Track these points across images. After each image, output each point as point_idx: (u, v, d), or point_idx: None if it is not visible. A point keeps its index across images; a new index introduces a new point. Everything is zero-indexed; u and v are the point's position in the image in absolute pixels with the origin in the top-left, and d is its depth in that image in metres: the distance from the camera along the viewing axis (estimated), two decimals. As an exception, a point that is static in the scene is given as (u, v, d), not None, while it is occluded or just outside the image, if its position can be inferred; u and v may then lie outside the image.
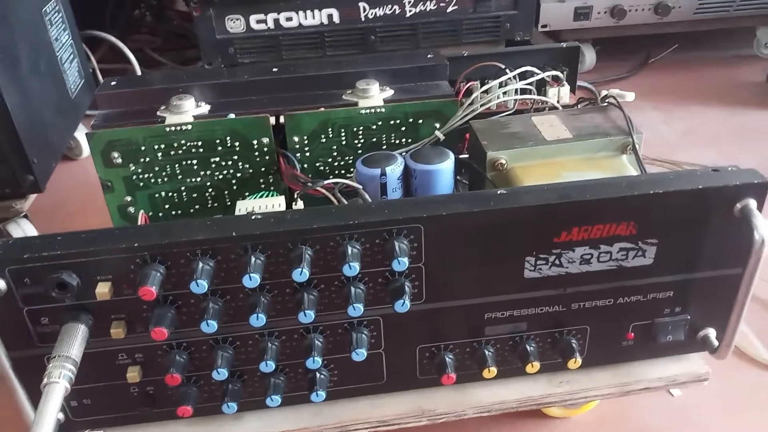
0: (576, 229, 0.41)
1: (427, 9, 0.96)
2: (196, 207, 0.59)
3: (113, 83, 0.60)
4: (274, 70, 0.62)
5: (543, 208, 0.40)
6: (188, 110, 0.57)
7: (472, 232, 0.40)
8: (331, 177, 0.60)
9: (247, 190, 0.59)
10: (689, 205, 0.42)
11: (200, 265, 0.37)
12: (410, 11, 0.96)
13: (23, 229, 0.70)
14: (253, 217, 0.39)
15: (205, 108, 0.58)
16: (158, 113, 0.58)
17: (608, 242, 0.42)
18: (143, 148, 0.56)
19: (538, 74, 0.62)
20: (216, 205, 0.59)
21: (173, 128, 0.55)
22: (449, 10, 0.96)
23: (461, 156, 0.60)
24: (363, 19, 0.95)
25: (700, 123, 1.00)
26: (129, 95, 0.59)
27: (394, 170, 0.51)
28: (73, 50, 0.84)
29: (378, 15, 0.95)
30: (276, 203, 0.45)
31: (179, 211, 0.59)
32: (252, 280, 0.37)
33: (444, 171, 0.52)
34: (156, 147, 0.56)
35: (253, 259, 0.37)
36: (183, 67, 1.15)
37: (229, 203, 0.60)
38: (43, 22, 0.76)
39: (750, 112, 1.03)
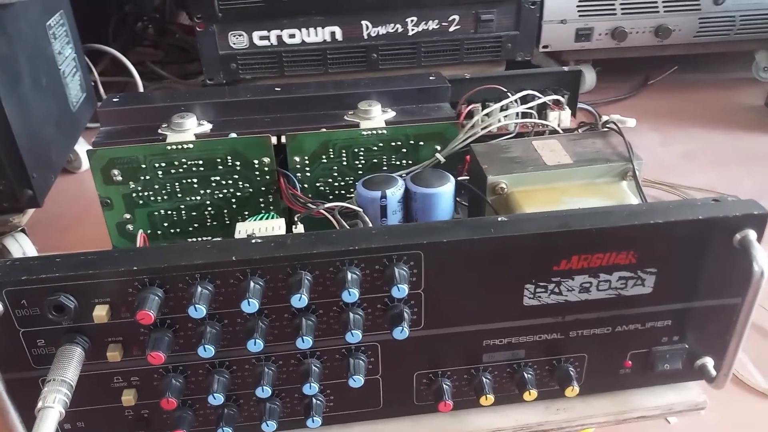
0: (576, 258, 0.41)
1: (430, 28, 0.96)
2: (195, 225, 0.59)
3: (115, 99, 0.61)
4: (277, 89, 0.62)
5: (544, 236, 0.40)
6: (190, 128, 0.57)
7: (473, 259, 0.40)
8: (331, 197, 0.60)
9: (246, 210, 0.59)
10: (689, 235, 0.42)
11: (199, 289, 0.37)
12: (413, 30, 0.96)
13: (20, 243, 0.69)
14: (253, 241, 0.39)
15: (206, 126, 0.58)
16: (160, 131, 0.58)
17: (608, 271, 0.42)
18: (144, 166, 0.56)
19: (539, 98, 0.62)
20: (215, 223, 0.59)
21: (174, 147, 0.55)
22: (451, 29, 0.97)
23: (461, 178, 0.60)
24: (365, 37, 0.95)
25: (699, 146, 1.01)
26: (131, 112, 0.59)
27: (395, 193, 0.51)
28: (75, 64, 0.84)
29: (380, 33, 0.95)
30: (276, 226, 0.45)
31: (178, 229, 0.59)
32: (251, 305, 0.37)
33: (444, 194, 0.52)
34: (156, 165, 0.56)
35: (252, 283, 0.37)
36: (184, 81, 1.16)
37: (228, 222, 0.59)
38: (47, 36, 0.76)
39: (749, 135, 1.03)
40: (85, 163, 0.91)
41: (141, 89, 1.00)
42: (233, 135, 0.57)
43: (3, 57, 0.64)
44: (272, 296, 0.39)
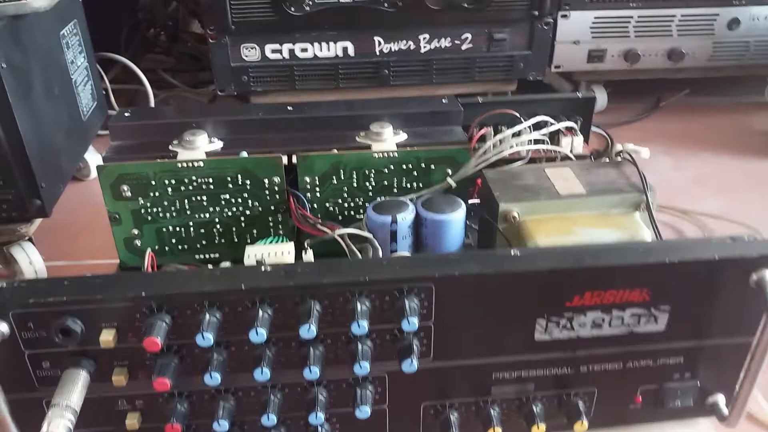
0: (589, 294, 0.40)
1: (442, 46, 0.96)
2: (203, 242, 0.59)
3: (127, 114, 0.60)
4: (289, 108, 0.62)
5: (557, 272, 0.39)
6: (200, 146, 0.57)
7: (485, 293, 0.39)
8: (340, 218, 0.60)
9: (255, 228, 0.59)
10: (704, 274, 0.41)
11: (207, 317, 0.36)
12: (425, 48, 0.96)
13: (27, 252, 0.69)
14: (263, 268, 0.38)
15: (217, 144, 0.58)
16: (170, 147, 0.58)
17: (621, 308, 0.42)
18: (153, 182, 0.55)
19: (552, 124, 0.61)
20: (223, 241, 0.59)
21: (185, 164, 0.55)
22: (464, 47, 0.97)
23: (471, 200, 0.59)
24: (378, 53, 0.95)
25: (711, 170, 1.00)
26: (142, 128, 0.59)
27: (405, 218, 0.51)
28: (87, 73, 0.84)
29: (393, 50, 0.95)
30: (285, 250, 0.44)
31: (186, 246, 0.59)
32: (259, 335, 0.36)
33: (455, 221, 0.51)
34: (166, 182, 0.55)
35: (260, 312, 0.37)
36: (195, 90, 1.16)
37: (236, 240, 0.59)
38: (60, 46, 0.76)
39: (761, 160, 1.02)
40: (94, 171, 0.91)
41: (151, 98, 1.00)
42: (244, 154, 0.56)
43: (16, 67, 0.63)
44: (280, 324, 0.38)
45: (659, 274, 0.40)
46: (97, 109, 0.87)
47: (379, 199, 0.59)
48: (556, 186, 0.54)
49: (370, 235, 0.47)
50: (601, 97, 1.12)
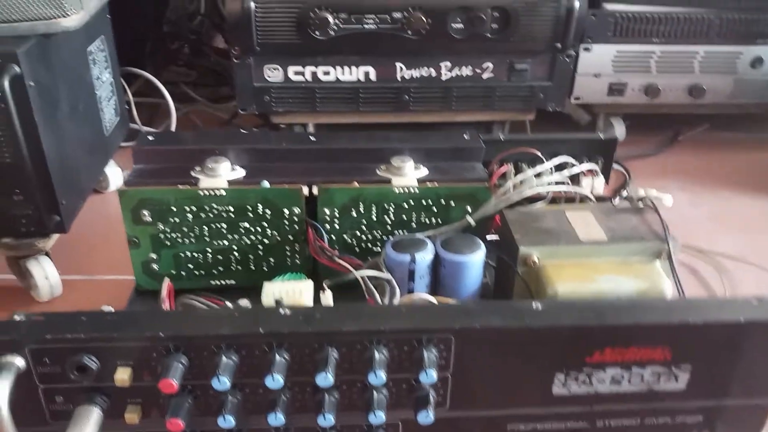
0: (610, 351, 0.40)
1: (463, 74, 0.96)
2: (220, 269, 0.59)
3: (150, 138, 0.61)
4: (312, 138, 0.62)
5: (579, 328, 0.39)
6: (223, 174, 0.57)
7: (504, 346, 0.39)
8: (357, 250, 0.59)
9: (272, 256, 0.59)
10: (728, 336, 0.40)
11: (224, 359, 0.36)
12: (446, 75, 0.96)
13: (43, 266, 0.69)
14: (281, 311, 0.38)
15: (239, 172, 0.58)
16: (192, 173, 0.58)
17: (641, 365, 0.41)
18: (174, 208, 0.55)
19: (574, 165, 0.61)
20: (240, 268, 0.59)
21: (207, 192, 0.55)
22: (484, 76, 0.97)
23: (490, 236, 0.59)
24: (399, 79, 0.95)
25: (729, 208, 0.99)
26: (165, 153, 0.59)
27: (424, 258, 0.51)
28: (112, 88, 0.85)
29: (414, 76, 0.95)
30: (304, 289, 0.44)
31: (202, 272, 0.59)
32: (275, 381, 0.36)
33: (474, 263, 0.51)
34: (187, 209, 0.56)
35: (277, 357, 0.36)
36: (215, 105, 1.16)
37: (253, 267, 0.59)
38: (87, 62, 0.77)
39: (780, 200, 1.01)
40: (113, 184, 0.92)
41: (173, 112, 1.01)
42: (266, 183, 0.56)
43: (44, 85, 0.64)
44: (297, 370, 0.38)
45: (682, 333, 0.40)
46: (119, 124, 0.88)
47: (397, 233, 0.59)
48: (576, 230, 0.53)
49: (389, 276, 0.47)
50: (620, 130, 1.12)
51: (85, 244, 0.82)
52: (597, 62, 1.01)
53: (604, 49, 1.00)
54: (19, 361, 0.36)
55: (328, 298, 0.42)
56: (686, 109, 1.10)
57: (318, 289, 0.46)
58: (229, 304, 0.43)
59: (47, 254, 0.71)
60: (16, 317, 0.37)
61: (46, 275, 0.69)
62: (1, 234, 0.67)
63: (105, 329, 0.36)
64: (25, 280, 0.70)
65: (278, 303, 0.41)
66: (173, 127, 1.01)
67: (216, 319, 0.37)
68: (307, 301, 0.43)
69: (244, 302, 0.41)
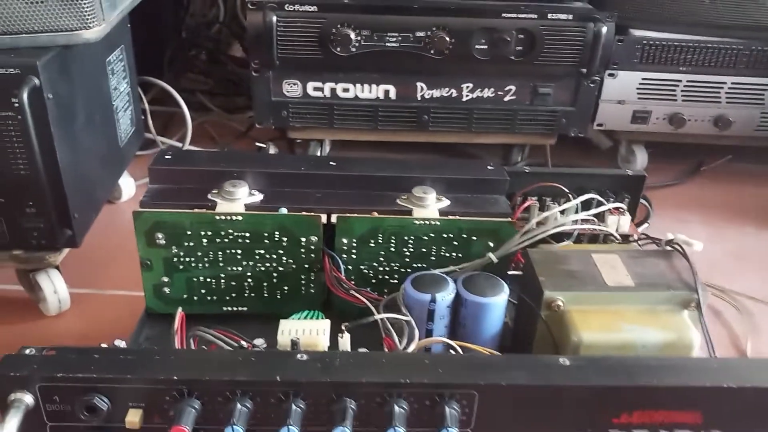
0: (638, 413, 0.38)
1: (485, 96, 0.95)
2: (233, 295, 0.58)
3: (167, 157, 0.60)
4: (332, 164, 0.60)
5: (608, 389, 0.37)
6: (240, 198, 0.56)
7: (529, 402, 0.37)
8: (374, 281, 0.58)
9: (286, 284, 0.58)
10: (764, 401, 0.39)
11: (238, 407, 0.35)
12: (467, 96, 0.95)
13: (52, 280, 0.68)
14: (299, 356, 0.37)
15: (257, 197, 0.57)
16: (210, 196, 0.56)
17: (669, 428, 0.39)
18: (189, 232, 0.54)
19: (600, 203, 0.59)
20: (253, 295, 0.58)
21: (223, 217, 0.54)
22: (506, 99, 0.95)
23: (512, 272, 0.58)
24: (419, 98, 0.94)
25: (751, 245, 0.96)
26: (182, 173, 0.58)
27: (445, 298, 0.49)
28: (129, 98, 0.84)
29: (434, 96, 0.94)
30: (321, 329, 0.43)
31: (215, 297, 0.58)
32: (291, 432, 0.34)
33: (497, 305, 0.49)
34: (202, 233, 0.54)
35: (293, 407, 0.35)
36: (230, 116, 1.15)
37: (266, 294, 0.58)
38: (105, 73, 0.76)
39: (804, 238, 0.99)
40: (126, 194, 0.91)
41: (189, 123, 1.00)
42: (283, 210, 0.55)
43: (62, 97, 0.63)
44: (313, 419, 0.36)
45: (715, 397, 0.38)
46: (134, 133, 0.87)
47: (416, 266, 0.57)
48: (603, 274, 0.51)
49: (409, 319, 0.46)
50: (641, 158, 1.10)
51: (95, 256, 0.80)
52: (622, 89, 0.99)
53: (630, 76, 0.98)
54: (29, 398, 0.35)
55: (346, 342, 0.41)
56: (710, 139, 1.08)
57: (335, 329, 0.44)
58: (244, 342, 0.42)
59: (57, 268, 0.69)
60: (27, 351, 0.36)
61: (55, 289, 0.68)
62: (12, 246, 0.66)
63: (117, 369, 0.35)
64: (33, 293, 0.69)
65: (294, 344, 0.40)
66: (189, 138, 1.00)
67: (232, 365, 0.36)
68: (324, 342, 0.42)
69: (260, 342, 0.40)
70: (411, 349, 0.44)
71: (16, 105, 0.58)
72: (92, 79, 0.72)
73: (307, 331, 0.42)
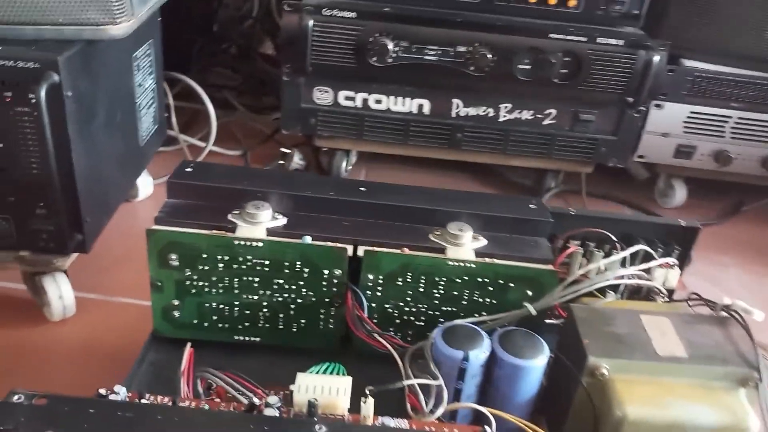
0: None
1: (522, 118, 0.90)
2: (246, 324, 0.54)
3: (189, 169, 0.56)
4: (362, 189, 0.56)
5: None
6: (263, 221, 0.52)
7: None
8: (397, 321, 0.54)
9: (304, 318, 0.54)
10: None
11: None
12: (504, 117, 0.90)
13: (59, 285, 0.65)
14: (317, 428, 0.32)
15: (281, 221, 0.53)
16: (230, 217, 0.52)
17: None
18: (205, 255, 0.50)
19: (650, 255, 0.55)
20: (267, 326, 0.54)
21: (243, 243, 0.50)
22: (545, 123, 0.91)
23: (550, 321, 0.53)
24: (453, 115, 0.89)
25: (793, 296, 0.91)
26: (202, 189, 0.54)
27: (479, 356, 0.45)
28: (153, 95, 0.81)
29: (470, 114, 0.89)
30: (341, 388, 0.38)
31: (226, 325, 0.54)
32: None
33: (535, 369, 0.45)
34: (219, 257, 0.50)
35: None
36: (256, 116, 1.12)
37: (281, 326, 0.54)
38: (131, 68, 0.72)
39: None
40: (143, 193, 0.87)
41: (213, 122, 0.96)
42: (308, 239, 0.51)
43: (83, 94, 0.59)
44: (329, 499, 0.32)
45: None
46: (156, 132, 0.83)
47: (444, 308, 0.53)
48: (653, 341, 0.47)
49: (441, 383, 0.41)
50: (681, 194, 1.04)
51: (104, 258, 0.77)
52: (667, 121, 0.94)
53: (677, 109, 0.93)
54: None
55: (369, 407, 0.37)
56: (755, 180, 1.02)
57: (356, 380, 0.40)
58: (256, 399, 0.38)
59: (64, 272, 0.66)
60: (15, 398, 0.32)
61: (60, 295, 0.65)
62: (19, 247, 0.62)
63: (113, 430, 0.31)
64: (38, 297, 0.66)
65: (311, 406, 0.35)
66: (212, 138, 0.97)
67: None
68: (344, 404, 0.38)
69: (274, 400, 0.36)
70: (438, 413, 0.40)
71: (33, 101, 0.55)
72: (116, 76, 0.68)
73: (326, 390, 0.38)
